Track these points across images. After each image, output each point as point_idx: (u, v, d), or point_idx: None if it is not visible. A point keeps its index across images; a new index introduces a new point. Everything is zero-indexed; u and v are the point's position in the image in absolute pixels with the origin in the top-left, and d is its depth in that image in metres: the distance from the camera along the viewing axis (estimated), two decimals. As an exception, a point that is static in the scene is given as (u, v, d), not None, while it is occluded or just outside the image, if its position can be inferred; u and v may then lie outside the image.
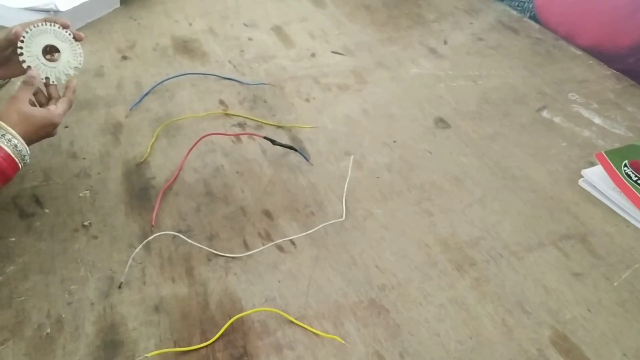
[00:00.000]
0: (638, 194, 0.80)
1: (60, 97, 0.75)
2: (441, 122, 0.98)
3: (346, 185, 0.83)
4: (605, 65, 1.16)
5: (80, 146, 0.88)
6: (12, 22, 1.15)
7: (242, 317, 0.64)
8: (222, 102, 1.00)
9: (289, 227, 0.76)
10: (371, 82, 1.08)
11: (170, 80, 1.04)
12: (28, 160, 0.69)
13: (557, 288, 0.70)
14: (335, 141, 0.92)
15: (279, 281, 0.69)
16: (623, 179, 0.82)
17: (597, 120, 1.00)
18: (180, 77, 1.05)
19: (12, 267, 0.68)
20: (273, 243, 0.73)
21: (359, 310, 0.66)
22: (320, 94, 1.04)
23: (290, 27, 1.25)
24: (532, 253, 0.75)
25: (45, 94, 0.75)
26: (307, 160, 0.88)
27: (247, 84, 1.05)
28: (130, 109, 0.96)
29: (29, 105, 0.69)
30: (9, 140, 0.65)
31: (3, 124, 0.65)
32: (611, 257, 0.75)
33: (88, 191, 0.79)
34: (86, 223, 0.74)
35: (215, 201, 0.80)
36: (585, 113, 1.02)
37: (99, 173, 0.83)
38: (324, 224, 0.76)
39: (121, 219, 0.76)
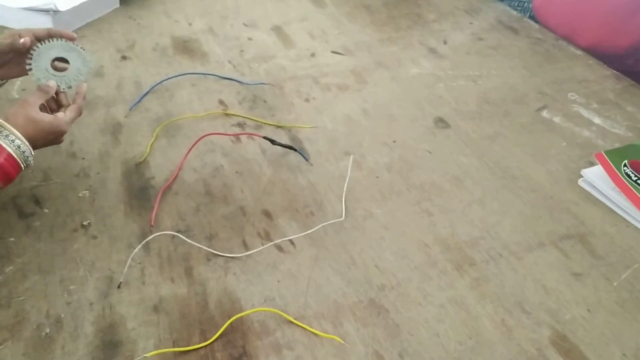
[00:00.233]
0: (638, 194, 0.80)
1: (69, 105, 0.75)
2: (441, 122, 0.98)
3: (346, 185, 0.83)
4: (605, 65, 1.16)
5: (80, 146, 0.88)
6: (12, 22, 1.16)
7: (241, 317, 0.64)
8: (221, 102, 1.00)
9: (288, 227, 0.76)
10: (371, 82, 1.08)
11: (169, 80, 1.04)
12: (31, 162, 0.68)
13: (557, 288, 0.70)
14: (334, 141, 0.92)
15: (279, 281, 0.69)
16: (623, 178, 0.82)
17: (596, 120, 1.00)
18: (180, 77, 1.05)
19: (11, 267, 0.68)
20: (272, 243, 0.73)
21: (359, 310, 0.66)
22: (320, 93, 1.04)
23: (290, 27, 1.25)
24: (532, 253, 0.74)
25: (56, 101, 0.76)
26: (306, 160, 0.87)
27: (247, 83, 1.05)
28: (130, 109, 0.96)
29: (38, 111, 0.69)
30: (12, 141, 0.65)
31: (6, 124, 0.65)
32: (611, 257, 0.74)
33: (87, 191, 0.79)
34: (85, 223, 0.74)
35: (215, 201, 0.80)
36: (585, 113, 1.02)
37: (98, 173, 0.83)
38: (324, 223, 0.76)
39: (120, 219, 0.76)
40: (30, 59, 0.75)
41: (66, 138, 0.87)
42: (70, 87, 0.76)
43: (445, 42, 1.23)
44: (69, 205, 0.77)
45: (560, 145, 0.94)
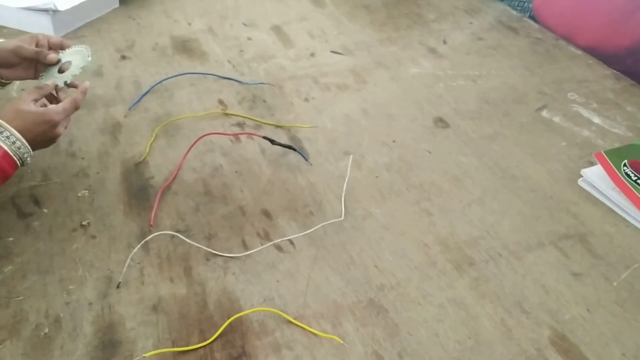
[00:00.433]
0: (637, 194, 0.80)
1: None
2: (441, 122, 0.98)
3: (345, 185, 0.83)
4: (605, 65, 1.16)
5: (79, 146, 0.87)
6: (11, 22, 1.16)
7: (240, 317, 0.64)
8: (221, 102, 1.00)
9: (287, 227, 0.76)
10: (370, 81, 1.08)
11: (169, 79, 1.04)
12: (28, 160, 0.68)
13: (557, 288, 0.70)
14: (334, 141, 0.92)
15: (278, 281, 0.69)
16: (622, 178, 0.82)
17: (596, 119, 1.00)
18: (180, 76, 1.05)
19: (10, 267, 0.68)
20: (272, 243, 0.73)
21: (358, 310, 0.66)
22: (320, 93, 1.04)
23: (289, 26, 1.25)
24: (532, 253, 0.74)
25: (57, 99, 0.76)
26: (306, 159, 0.87)
27: (247, 83, 1.04)
28: (129, 109, 0.96)
29: (29, 104, 0.69)
30: (7, 137, 0.65)
31: (1, 121, 0.65)
32: (610, 257, 0.74)
33: (87, 191, 0.79)
34: (85, 223, 0.74)
35: (214, 201, 0.79)
36: (585, 113, 1.02)
37: (97, 173, 0.83)
38: (323, 223, 0.76)
39: (120, 218, 0.76)
40: (44, 71, 0.79)
41: (65, 137, 0.88)
42: (66, 83, 0.77)
43: (445, 42, 1.22)
44: (68, 205, 0.77)
45: (560, 145, 0.94)
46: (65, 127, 0.73)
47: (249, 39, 1.20)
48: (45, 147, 0.72)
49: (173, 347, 0.61)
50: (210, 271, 0.69)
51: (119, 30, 1.19)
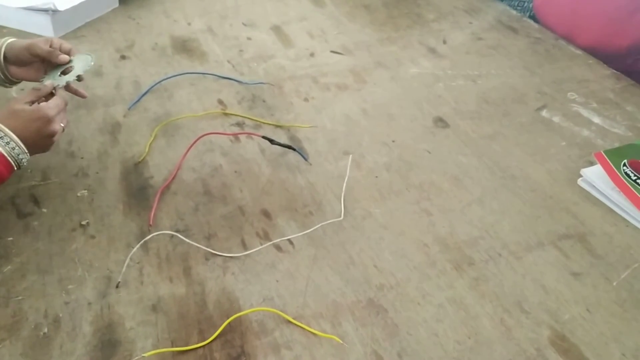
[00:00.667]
0: (637, 194, 0.80)
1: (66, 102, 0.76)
2: (440, 122, 0.98)
3: (345, 184, 0.83)
4: (605, 65, 1.16)
5: (79, 145, 0.87)
6: (11, 21, 1.16)
7: (239, 316, 0.64)
8: (220, 102, 1.00)
9: (287, 227, 0.76)
10: (370, 81, 1.08)
11: (168, 79, 1.04)
12: (24, 162, 0.68)
13: (556, 288, 0.70)
14: (334, 141, 0.92)
15: (277, 281, 0.69)
16: (622, 178, 0.82)
17: (596, 119, 1.00)
18: (179, 76, 1.05)
19: (9, 267, 0.68)
20: (271, 243, 0.73)
21: (357, 310, 0.66)
22: (319, 93, 1.04)
23: (289, 26, 1.25)
24: (531, 253, 0.74)
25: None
26: (305, 159, 0.87)
27: (246, 83, 1.04)
28: (129, 109, 0.96)
29: (22, 104, 0.70)
30: (1, 138, 0.65)
31: None
32: (610, 257, 0.74)
33: (86, 191, 0.79)
34: (84, 223, 0.74)
35: (214, 201, 0.79)
36: (585, 112, 1.02)
37: (97, 172, 0.83)
38: (322, 223, 0.76)
39: (119, 218, 0.75)
40: (46, 73, 0.80)
41: (65, 137, 0.88)
42: (65, 85, 0.77)
43: (444, 42, 1.22)
44: (68, 204, 0.77)
45: (559, 145, 0.94)
46: (64, 127, 0.73)
47: (249, 38, 1.20)
48: (44, 148, 0.72)
49: (172, 347, 0.61)
50: (210, 271, 0.69)
51: (118, 30, 1.19)
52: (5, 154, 0.66)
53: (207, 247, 0.72)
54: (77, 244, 0.71)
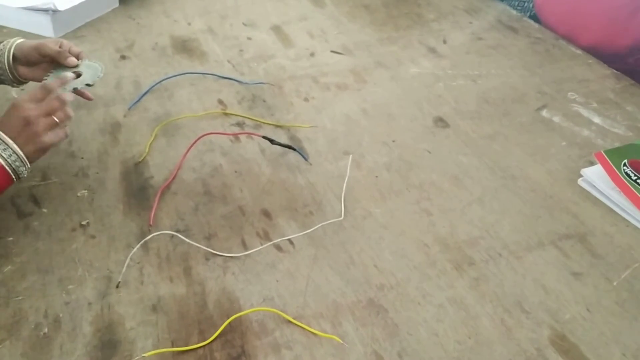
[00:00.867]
0: (637, 194, 0.80)
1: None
2: (440, 122, 0.98)
3: (345, 184, 0.83)
4: (605, 65, 1.16)
5: (79, 145, 0.87)
6: (11, 21, 1.16)
7: (240, 316, 0.64)
8: (220, 102, 1.00)
9: (287, 227, 0.76)
10: (370, 81, 1.08)
11: (169, 79, 1.04)
12: (24, 173, 0.68)
13: (556, 288, 0.70)
14: (334, 140, 0.92)
15: (277, 281, 0.69)
16: (622, 178, 0.82)
17: (596, 119, 1.00)
18: (179, 76, 1.05)
19: (9, 267, 0.68)
20: (271, 242, 0.73)
21: (358, 310, 0.66)
22: (319, 93, 1.04)
23: (289, 26, 1.25)
24: (532, 252, 0.74)
25: None
26: (305, 159, 0.87)
27: (246, 83, 1.04)
28: (129, 109, 0.96)
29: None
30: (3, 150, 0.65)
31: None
32: (610, 257, 0.74)
33: (86, 190, 0.79)
34: (84, 222, 0.74)
35: (214, 201, 0.79)
36: (585, 112, 1.02)
37: (97, 172, 0.83)
38: (323, 223, 0.76)
39: (119, 218, 0.75)
40: (51, 71, 0.80)
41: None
42: (74, 89, 0.78)
43: (444, 42, 1.22)
44: (68, 204, 0.77)
45: (559, 145, 0.94)
46: (56, 125, 0.69)
47: (249, 38, 1.20)
48: (35, 145, 0.68)
49: (172, 347, 0.61)
50: (210, 271, 0.69)
51: (118, 30, 1.19)
52: (6, 167, 0.65)
53: (207, 247, 0.72)
54: (77, 244, 0.71)
